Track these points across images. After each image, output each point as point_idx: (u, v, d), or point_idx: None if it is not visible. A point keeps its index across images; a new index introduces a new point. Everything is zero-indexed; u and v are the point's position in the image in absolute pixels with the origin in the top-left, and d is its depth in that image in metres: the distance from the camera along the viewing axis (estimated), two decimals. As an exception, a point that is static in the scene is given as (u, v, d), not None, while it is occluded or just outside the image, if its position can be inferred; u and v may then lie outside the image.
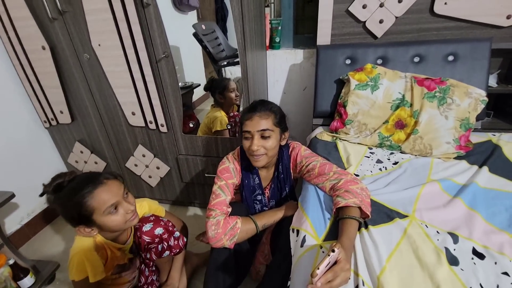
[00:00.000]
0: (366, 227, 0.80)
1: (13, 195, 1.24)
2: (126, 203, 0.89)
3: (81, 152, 1.77)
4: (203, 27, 1.62)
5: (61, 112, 1.63)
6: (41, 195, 0.88)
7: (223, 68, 1.68)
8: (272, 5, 1.75)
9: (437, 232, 0.78)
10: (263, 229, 1.03)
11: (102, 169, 1.82)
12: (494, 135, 1.24)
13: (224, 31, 1.68)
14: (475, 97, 1.17)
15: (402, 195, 0.93)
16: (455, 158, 1.12)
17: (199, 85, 1.77)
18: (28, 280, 1.23)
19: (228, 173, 1.06)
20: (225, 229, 0.94)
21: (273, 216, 1.04)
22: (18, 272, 1.21)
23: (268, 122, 0.97)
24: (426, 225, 0.81)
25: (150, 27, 1.27)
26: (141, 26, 1.26)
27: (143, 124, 1.54)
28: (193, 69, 1.74)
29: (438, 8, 1.29)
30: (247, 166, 1.09)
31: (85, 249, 0.89)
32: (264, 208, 1.15)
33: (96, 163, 1.80)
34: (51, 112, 1.64)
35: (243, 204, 1.11)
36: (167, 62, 1.34)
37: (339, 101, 1.35)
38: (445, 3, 1.27)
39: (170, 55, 1.32)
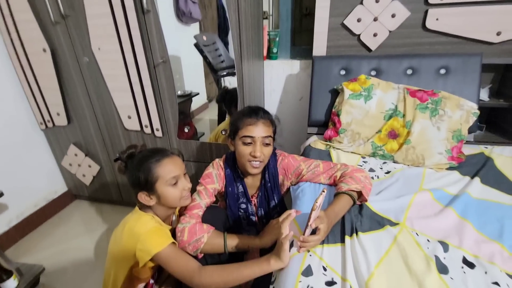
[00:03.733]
0: (357, 233, 0.79)
1: (1, 194, 1.23)
2: (185, 180, 0.96)
3: (75, 155, 1.77)
4: (204, 38, 1.66)
5: (58, 114, 1.63)
6: (115, 160, 0.95)
7: (222, 78, 1.71)
8: (271, 17, 1.80)
9: (428, 240, 0.77)
10: (233, 251, 0.93)
11: (96, 173, 1.81)
12: (487, 147, 1.24)
13: (226, 43, 1.72)
14: (467, 110, 1.18)
15: (393, 203, 0.92)
16: (447, 168, 1.12)
17: (198, 93, 1.79)
18: (11, 282, 1.20)
19: (210, 179, 1.04)
20: (190, 239, 0.88)
21: (248, 242, 0.93)
22: (1, 274, 1.18)
23: (269, 129, 0.97)
24: (416, 233, 0.80)
25: (150, 32, 1.30)
26: (141, 31, 1.29)
27: (138, 128, 1.55)
28: (193, 78, 1.77)
29: (430, 24, 1.32)
30: (230, 173, 1.08)
31: (154, 222, 0.92)
32: (251, 216, 1.13)
33: (89, 166, 1.79)
34: (47, 113, 1.65)
35: (223, 210, 1.08)
36: (165, 68, 1.36)
37: (333, 110, 1.37)
38: (437, 19, 1.31)
39: (168, 61, 1.34)
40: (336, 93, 1.42)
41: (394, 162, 1.21)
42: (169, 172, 0.90)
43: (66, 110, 1.62)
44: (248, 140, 0.95)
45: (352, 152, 1.28)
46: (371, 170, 1.15)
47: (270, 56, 1.77)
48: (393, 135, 1.23)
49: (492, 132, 1.39)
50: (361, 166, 1.18)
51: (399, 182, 1.05)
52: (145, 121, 1.51)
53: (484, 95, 1.36)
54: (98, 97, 1.54)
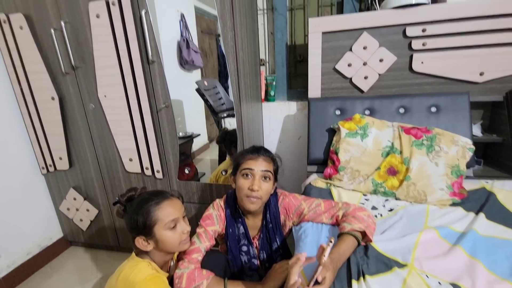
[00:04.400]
0: (364, 276, 0.75)
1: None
2: (184, 223, 0.94)
3: (74, 199, 1.75)
4: (206, 83, 1.76)
5: (60, 159, 1.65)
6: (115, 203, 0.95)
7: (222, 119, 1.77)
8: (267, 64, 1.93)
9: (439, 283, 0.73)
10: None
11: (94, 217, 1.77)
12: (487, 182, 1.24)
13: (226, 87, 1.81)
14: (462, 145, 1.21)
15: (399, 243, 0.89)
16: (450, 205, 1.11)
17: (199, 135, 1.84)
18: None
19: (210, 220, 1.03)
20: (188, 286, 0.85)
21: None
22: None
23: (270, 165, 1.00)
24: (426, 275, 0.76)
25: (154, 80, 1.38)
26: (145, 79, 1.37)
27: (139, 171, 1.56)
28: (194, 120, 1.84)
29: (416, 67, 1.42)
30: (231, 214, 1.07)
31: (150, 269, 0.89)
32: (252, 260, 1.08)
33: (88, 210, 1.76)
34: (50, 158, 1.67)
35: (224, 255, 1.04)
36: (167, 112, 1.42)
37: (331, 148, 1.40)
38: (422, 62, 1.40)
39: (170, 106, 1.41)
40: (333, 132, 1.46)
41: (396, 199, 1.20)
42: (168, 215, 0.89)
43: (68, 154, 1.64)
44: (248, 172, 0.97)
45: (353, 190, 1.27)
46: (374, 208, 1.14)
47: (268, 98, 1.86)
48: (392, 171, 1.23)
49: (490, 167, 1.40)
50: (363, 204, 1.17)
51: (403, 220, 1.03)
52: (146, 163, 1.53)
53: (477, 130, 1.40)
54: (101, 141, 1.58)
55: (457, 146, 1.21)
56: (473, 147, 1.21)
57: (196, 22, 1.64)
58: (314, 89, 1.58)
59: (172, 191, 0.99)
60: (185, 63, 1.67)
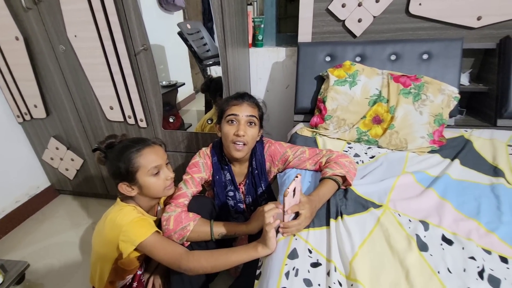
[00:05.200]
0: (341, 215, 0.80)
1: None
2: (167, 169, 0.94)
3: (57, 148, 1.71)
4: (188, 26, 1.61)
5: (35, 106, 1.57)
6: (94, 150, 0.93)
7: (208, 68, 1.67)
8: (255, 3, 1.76)
9: (409, 220, 0.79)
10: (220, 238, 0.93)
11: (79, 166, 1.76)
12: (466, 131, 1.28)
13: (211, 32, 1.67)
14: (448, 94, 1.21)
15: (377, 187, 0.94)
16: (429, 152, 1.15)
17: (184, 84, 1.75)
18: (-6, 280, 1.17)
19: (196, 168, 1.04)
20: (176, 227, 0.87)
21: (235, 229, 0.93)
22: (-18, 272, 1.14)
23: (254, 110, 1.00)
24: (399, 214, 0.82)
25: (129, 18, 1.24)
26: (119, 17, 1.23)
27: (121, 119, 1.51)
28: (178, 68, 1.73)
29: (413, 9, 1.33)
30: (218, 161, 1.08)
31: (136, 213, 0.90)
32: (238, 204, 1.13)
33: (72, 160, 1.74)
34: (24, 106, 1.58)
35: (210, 199, 1.07)
36: (146, 56, 1.32)
37: (318, 97, 1.37)
38: (420, 4, 1.31)
39: (149, 48, 1.30)
40: (322, 80, 1.41)
41: (378, 147, 1.23)
42: (151, 162, 0.89)
43: (44, 102, 1.55)
44: (233, 118, 0.96)
45: (337, 139, 1.29)
46: (356, 155, 1.17)
47: (255, 43, 1.74)
48: (377, 120, 1.24)
49: (472, 116, 1.43)
50: (347, 151, 1.20)
51: (383, 166, 1.07)
52: (128, 111, 1.47)
53: (465, 79, 1.39)
54: (77, 87, 1.48)
55: (443, 94, 1.20)
56: (458, 96, 1.22)
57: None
58: (305, 33, 1.49)
59: (153, 138, 0.96)
60: (164, 3, 1.50)
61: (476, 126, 1.33)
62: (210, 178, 1.09)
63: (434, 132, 1.18)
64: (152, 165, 0.89)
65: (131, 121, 1.50)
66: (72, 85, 1.48)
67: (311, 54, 1.42)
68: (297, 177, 0.72)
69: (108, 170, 0.92)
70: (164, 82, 1.64)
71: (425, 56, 1.31)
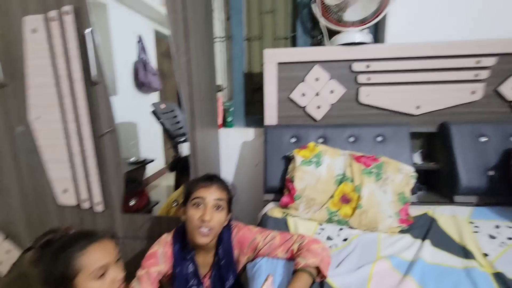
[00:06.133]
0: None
1: None
2: (117, 268, 0.78)
3: (-10, 238, 1.45)
4: (162, 106, 1.68)
5: (-26, 191, 1.39)
6: (26, 250, 0.78)
7: (179, 144, 1.68)
8: (225, 90, 1.93)
9: (392, 318, 0.71)
10: None
11: (16, 259, 1.48)
12: (430, 208, 1.32)
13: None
14: (406, 173, 1.28)
15: (354, 276, 0.88)
16: (399, 232, 1.14)
17: (152, 160, 1.72)
18: None
19: (153, 259, 0.92)
20: None
21: None
22: None
23: (223, 194, 0.95)
24: (380, 311, 0.74)
25: (97, 103, 1.26)
26: (89, 102, 1.25)
27: (74, 203, 1.37)
28: (150, 145, 1.72)
29: (362, 99, 1.52)
30: (180, 250, 0.97)
31: None
32: None
33: (8, 252, 1.47)
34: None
35: None
36: (112, 137, 1.30)
37: (287, 176, 1.38)
38: (367, 95, 1.51)
39: (115, 130, 1.28)
40: (289, 160, 1.46)
41: (350, 227, 1.20)
42: (96, 261, 0.75)
43: (-14, 185, 1.39)
44: (199, 201, 0.90)
45: (309, 219, 1.25)
46: (329, 238, 1.12)
47: (225, 124, 1.82)
48: (345, 200, 1.25)
49: (433, 192, 1.51)
50: (319, 234, 1.15)
51: (357, 250, 1.03)
52: (84, 195, 1.35)
53: (417, 158, 1.52)
54: (29, 169, 1.36)
55: (401, 174, 1.28)
56: (415, 174, 1.30)
57: (156, 44, 1.60)
58: (271, 117, 1.60)
59: (102, 231, 0.84)
60: (141, 85, 1.59)
61: (437, 202, 1.39)
62: (170, 271, 0.96)
63: (400, 211, 1.19)
64: (97, 265, 0.75)
65: (85, 205, 1.36)
66: (25, 166, 1.36)
67: (277, 136, 1.50)
68: (267, 280, 0.67)
69: (38, 275, 0.75)
70: (133, 159, 1.59)
71: (379, 139, 1.44)
